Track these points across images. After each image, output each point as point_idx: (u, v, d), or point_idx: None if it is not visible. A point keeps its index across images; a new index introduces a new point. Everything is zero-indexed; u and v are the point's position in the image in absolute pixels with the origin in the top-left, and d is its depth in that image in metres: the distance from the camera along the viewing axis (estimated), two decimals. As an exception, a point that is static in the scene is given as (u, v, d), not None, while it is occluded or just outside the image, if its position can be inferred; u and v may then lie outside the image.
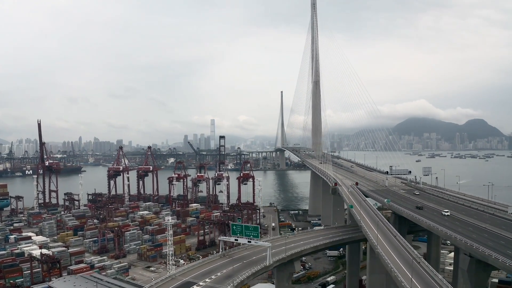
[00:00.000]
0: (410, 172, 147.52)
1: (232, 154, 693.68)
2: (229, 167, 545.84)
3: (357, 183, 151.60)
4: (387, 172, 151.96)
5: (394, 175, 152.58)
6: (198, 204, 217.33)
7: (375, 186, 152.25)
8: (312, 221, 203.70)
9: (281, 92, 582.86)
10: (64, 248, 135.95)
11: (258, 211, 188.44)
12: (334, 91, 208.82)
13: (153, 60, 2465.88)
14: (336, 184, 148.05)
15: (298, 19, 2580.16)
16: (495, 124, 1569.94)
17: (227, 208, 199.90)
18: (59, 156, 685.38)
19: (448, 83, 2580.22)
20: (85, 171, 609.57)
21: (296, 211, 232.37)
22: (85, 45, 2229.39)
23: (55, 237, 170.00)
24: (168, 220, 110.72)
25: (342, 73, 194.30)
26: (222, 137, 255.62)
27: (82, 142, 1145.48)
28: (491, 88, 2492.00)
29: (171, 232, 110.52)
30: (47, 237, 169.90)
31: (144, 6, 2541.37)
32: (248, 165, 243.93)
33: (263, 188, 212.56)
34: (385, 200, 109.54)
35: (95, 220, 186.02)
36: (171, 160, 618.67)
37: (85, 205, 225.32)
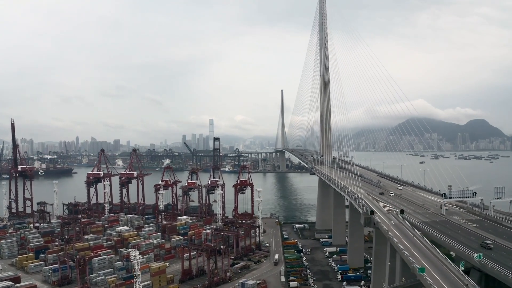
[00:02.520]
0: (475, 193, 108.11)
1: (231, 155, 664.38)
2: (227, 169, 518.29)
3: (402, 211, 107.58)
4: (444, 194, 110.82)
5: (455, 199, 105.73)
6: (188, 218, 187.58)
7: (426, 214, 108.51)
8: (321, 239, 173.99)
9: (282, 90, 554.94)
10: (10, 283, 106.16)
11: (258, 227, 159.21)
12: (347, 86, 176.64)
13: (148, 59, 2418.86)
14: (372, 212, 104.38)
15: (295, 18, 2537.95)
16: (496, 124, 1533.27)
17: (221, 223, 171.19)
18: (49, 157, 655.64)
19: (447, 82, 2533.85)
20: (76, 173, 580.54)
21: (302, 225, 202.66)
22: (78, 44, 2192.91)
23: (14, 260, 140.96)
24: (135, 256, 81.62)
25: (356, 66, 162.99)
26: (216, 138, 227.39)
27: (79, 142, 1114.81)
28: (490, 88, 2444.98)
29: (139, 272, 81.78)
30: (5, 260, 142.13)
31: (138, 5, 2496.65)
32: (246, 169, 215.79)
33: (263, 194, 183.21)
34: (475, 255, 69.33)
35: (60, 240, 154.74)
36: (167, 161, 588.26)
37: (58, 218, 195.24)
